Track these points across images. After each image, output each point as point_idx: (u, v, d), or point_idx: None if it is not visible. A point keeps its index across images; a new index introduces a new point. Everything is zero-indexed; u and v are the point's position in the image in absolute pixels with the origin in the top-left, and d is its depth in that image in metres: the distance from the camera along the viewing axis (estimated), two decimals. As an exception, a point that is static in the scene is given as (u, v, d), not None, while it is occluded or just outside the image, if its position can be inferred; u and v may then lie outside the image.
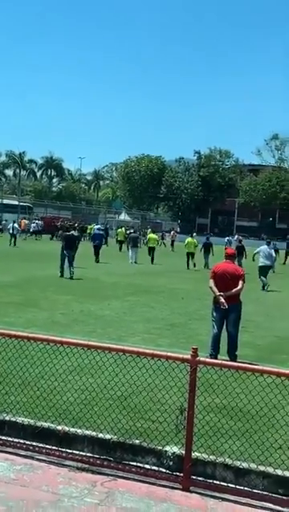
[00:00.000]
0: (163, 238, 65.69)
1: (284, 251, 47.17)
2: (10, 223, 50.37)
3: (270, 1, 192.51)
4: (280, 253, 39.01)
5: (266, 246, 26.20)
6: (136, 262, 35.46)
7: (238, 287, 11.16)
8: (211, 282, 11.29)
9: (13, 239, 45.41)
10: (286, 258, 46.37)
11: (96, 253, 34.21)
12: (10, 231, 46.31)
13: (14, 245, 44.53)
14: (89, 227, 54.01)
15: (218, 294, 11.06)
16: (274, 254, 26.92)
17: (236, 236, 48.89)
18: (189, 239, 37.21)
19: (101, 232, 39.95)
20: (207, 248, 36.55)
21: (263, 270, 25.38)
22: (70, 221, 50.57)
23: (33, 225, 60.53)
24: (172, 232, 65.41)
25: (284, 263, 45.10)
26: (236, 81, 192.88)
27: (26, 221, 61.65)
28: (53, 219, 65.95)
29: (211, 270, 11.76)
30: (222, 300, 10.99)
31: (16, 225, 49.60)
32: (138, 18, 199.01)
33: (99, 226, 46.67)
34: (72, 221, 53.02)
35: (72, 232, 28.91)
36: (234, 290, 11.12)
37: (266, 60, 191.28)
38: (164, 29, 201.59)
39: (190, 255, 35.38)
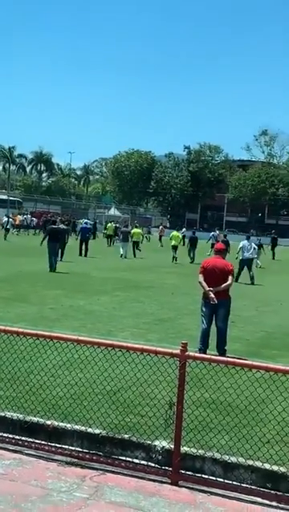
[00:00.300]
0: (149, 233, 65.85)
1: (270, 246, 47.57)
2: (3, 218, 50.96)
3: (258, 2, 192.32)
4: (265, 248, 39.25)
5: (246, 241, 27.33)
6: (126, 257, 35.96)
7: (228, 282, 11.18)
8: (200, 277, 11.30)
9: (6, 233, 45.74)
10: (273, 253, 46.68)
11: (83, 247, 34.68)
12: (5, 225, 46.78)
13: (5, 239, 44.62)
14: (108, 225, 53.07)
15: (208, 289, 11.08)
16: (255, 247, 27.98)
17: (217, 232, 49.56)
18: (173, 233, 38.68)
19: (88, 226, 40.53)
20: (193, 242, 37.15)
21: (245, 263, 26.29)
22: (61, 216, 50.93)
23: (4, 220, 59.91)
24: (160, 227, 65.46)
25: (273, 258, 45.39)
26: (226, 77, 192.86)
27: (21, 217, 61.33)
28: (42, 214, 65.75)
29: (200, 265, 11.77)
30: (212, 295, 11.02)
31: (11, 219, 50.00)
32: (124, 14, 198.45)
33: (86, 221, 47.22)
34: (64, 216, 53.26)
35: (61, 225, 29.79)
36: (223, 285, 11.14)
37: (257, 57, 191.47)
38: (154, 24, 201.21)
39: (174, 248, 36.37)
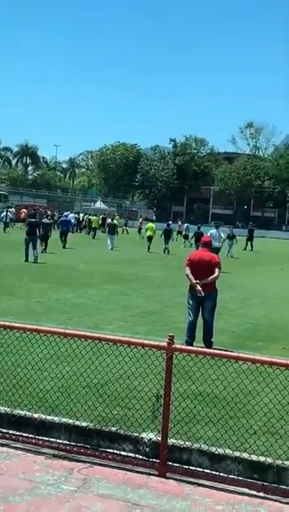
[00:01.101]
0: (126, 225, 65.98)
1: (246, 238, 48.43)
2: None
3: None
4: (237, 239, 40.18)
5: (215, 230, 29.05)
6: (112, 248, 37.06)
7: (215, 275, 11.21)
8: (187, 270, 11.32)
9: (6, 227, 45.89)
10: (246, 244, 47.11)
11: (64, 239, 36.04)
12: (4, 219, 46.85)
13: (4, 232, 44.67)
14: (93, 218, 53.28)
15: (195, 282, 11.11)
16: (223, 236, 29.47)
17: (179, 222, 51.87)
18: (149, 224, 41.76)
19: (68, 219, 41.73)
20: (167, 234, 38.42)
21: (213, 251, 25.95)
22: (44, 209, 51.10)
23: (3, 214, 59.63)
24: (140, 219, 65.67)
25: (245, 249, 45.81)
26: (211, 69, 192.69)
27: (26, 210, 60.65)
28: (26, 207, 65.40)
29: (187, 257, 11.79)
30: (199, 288, 11.05)
31: (9, 213, 50.15)
32: (113, 6, 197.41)
33: (66, 213, 48.35)
34: (48, 209, 53.33)
35: (45, 219, 31.99)
36: (210, 277, 11.17)
37: (242, 48, 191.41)
38: (137, 17, 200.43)
39: (149, 239, 38.69)
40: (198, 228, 38.65)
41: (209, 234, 26.92)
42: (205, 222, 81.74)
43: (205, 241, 12.09)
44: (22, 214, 55.55)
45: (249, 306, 17.09)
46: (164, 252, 36.81)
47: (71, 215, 55.48)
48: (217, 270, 11.26)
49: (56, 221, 46.31)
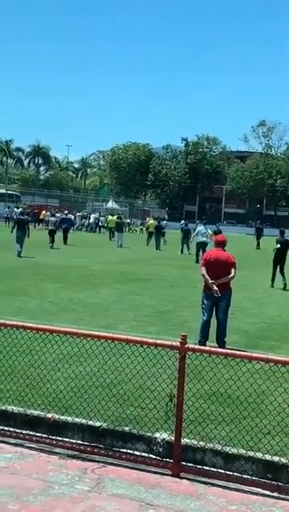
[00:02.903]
0: (129, 224, 66.29)
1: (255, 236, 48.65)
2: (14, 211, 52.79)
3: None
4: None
5: (202, 227, 31.84)
6: (121, 246, 38.98)
7: (231, 275, 11.17)
8: (203, 270, 11.28)
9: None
10: (257, 243, 46.98)
11: (64, 237, 38.17)
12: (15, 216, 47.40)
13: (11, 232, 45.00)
14: (109, 218, 53.58)
15: (211, 281, 11.07)
16: (210, 232, 30.94)
17: (182, 221, 51.24)
18: (150, 221, 46.49)
19: (68, 217, 44.42)
20: (186, 234, 38.65)
21: (201, 246, 30.04)
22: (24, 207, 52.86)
23: (6, 210, 59.49)
24: (147, 219, 65.70)
25: (258, 248, 45.72)
26: (223, 68, 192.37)
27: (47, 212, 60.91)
28: (40, 207, 65.55)
29: (202, 257, 11.72)
30: (215, 288, 11.01)
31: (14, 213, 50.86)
32: (120, 15, 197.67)
33: (66, 212, 49.61)
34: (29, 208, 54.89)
35: (26, 216, 33.55)
36: (226, 277, 11.14)
37: (254, 47, 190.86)
38: (150, 14, 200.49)
39: (150, 234, 43.24)
40: (217, 227, 38.85)
41: (197, 231, 31.75)
42: (218, 221, 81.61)
43: (220, 241, 11.89)
44: (41, 215, 56.35)
45: (262, 306, 17.04)
46: (181, 252, 36.39)
47: (93, 216, 60.51)
48: (233, 270, 11.20)
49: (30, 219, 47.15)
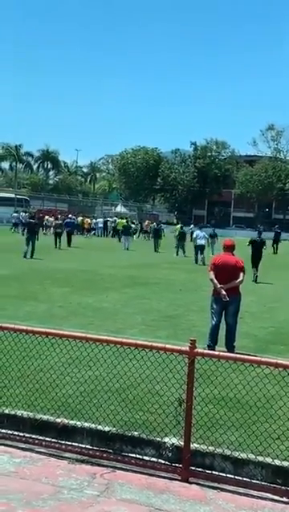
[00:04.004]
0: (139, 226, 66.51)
1: (271, 241, 47.45)
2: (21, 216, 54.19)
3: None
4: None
5: (199, 231, 35.02)
6: (128, 249, 40.35)
7: (240, 279, 11.16)
8: (211, 274, 11.26)
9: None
10: (273, 247, 46.53)
11: (69, 239, 40.00)
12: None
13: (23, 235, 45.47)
14: (119, 221, 54.69)
15: (219, 286, 11.05)
16: (206, 236, 34.12)
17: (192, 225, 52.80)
18: (119, 220, 52.16)
19: (72, 220, 45.76)
20: (156, 233, 43.49)
21: (199, 248, 32.73)
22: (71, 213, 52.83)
23: (15, 214, 59.60)
24: (146, 222, 65.79)
25: (275, 253, 45.41)
26: (231, 72, 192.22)
27: (89, 220, 61.08)
28: (49, 212, 65.68)
29: (211, 261, 11.71)
30: (224, 292, 11.00)
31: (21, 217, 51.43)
32: (124, 19, 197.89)
33: (70, 215, 50.99)
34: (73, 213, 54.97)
35: (35, 220, 35.42)
36: (235, 281, 11.12)
37: (262, 51, 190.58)
38: (158, 18, 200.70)
39: (116, 231, 48.74)
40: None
41: (195, 235, 34.50)
42: (227, 225, 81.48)
43: (228, 245, 11.75)
44: (86, 224, 57.87)
45: (271, 310, 17.00)
46: (176, 255, 37.37)
47: (101, 220, 62.05)
48: (241, 275, 11.18)
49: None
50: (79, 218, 59.75)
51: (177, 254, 37.32)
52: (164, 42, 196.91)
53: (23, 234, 30.84)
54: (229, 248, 11.68)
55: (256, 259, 24.89)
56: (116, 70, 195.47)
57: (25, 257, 28.56)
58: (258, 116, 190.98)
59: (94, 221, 62.63)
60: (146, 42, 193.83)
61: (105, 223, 62.27)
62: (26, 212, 58.54)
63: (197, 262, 32.39)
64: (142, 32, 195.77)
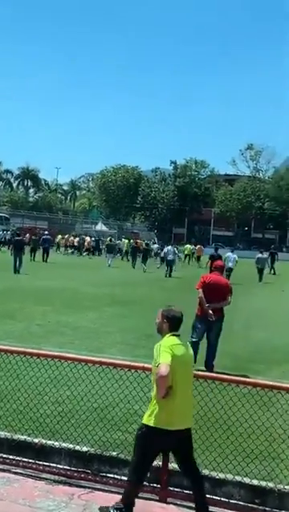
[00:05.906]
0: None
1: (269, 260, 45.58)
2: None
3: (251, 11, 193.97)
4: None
5: (170, 247, 39.73)
6: (110, 266, 42.08)
7: (227, 300, 11.35)
8: (201, 293, 11.34)
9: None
10: (271, 268, 44.67)
11: (45, 254, 42.83)
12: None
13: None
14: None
15: (206, 305, 11.16)
16: (176, 252, 40.12)
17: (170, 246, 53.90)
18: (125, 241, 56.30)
19: (49, 237, 47.76)
20: (133, 251, 46.84)
21: (169, 263, 37.05)
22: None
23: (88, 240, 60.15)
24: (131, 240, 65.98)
25: (274, 273, 43.78)
26: (211, 92, 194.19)
27: (88, 239, 60.86)
28: (29, 229, 65.43)
29: (201, 280, 11.74)
30: (210, 312, 11.11)
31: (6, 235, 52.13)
32: (107, 20, 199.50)
33: (46, 232, 52.94)
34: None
35: (21, 238, 37.44)
36: (222, 302, 11.34)
37: (242, 71, 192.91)
38: (138, 40, 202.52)
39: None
40: (216, 250, 38.16)
41: (165, 250, 39.42)
42: (206, 244, 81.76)
43: (220, 266, 12.13)
44: (86, 243, 58.37)
45: (252, 329, 17.04)
46: (133, 268, 42.08)
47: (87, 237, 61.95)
48: (229, 297, 11.37)
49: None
50: (59, 236, 60.12)
51: (134, 267, 42.26)
52: (145, 63, 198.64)
53: (11, 254, 32.98)
54: (221, 269, 11.97)
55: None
56: (97, 88, 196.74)
57: (18, 272, 30.74)
58: (238, 136, 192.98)
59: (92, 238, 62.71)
60: (128, 61, 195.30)
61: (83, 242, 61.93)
62: (11, 230, 58.48)
63: (170, 275, 36.30)
64: (124, 50, 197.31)
